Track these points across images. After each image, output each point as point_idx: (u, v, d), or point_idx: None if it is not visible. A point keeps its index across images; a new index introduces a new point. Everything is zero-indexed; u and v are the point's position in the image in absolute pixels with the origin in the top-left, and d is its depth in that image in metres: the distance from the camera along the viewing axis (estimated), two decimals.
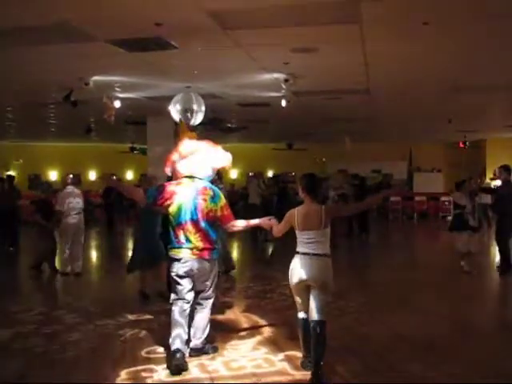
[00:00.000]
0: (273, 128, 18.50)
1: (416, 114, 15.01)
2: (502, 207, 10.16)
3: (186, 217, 5.25)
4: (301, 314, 5.20)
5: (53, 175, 25.67)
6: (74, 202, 10.25)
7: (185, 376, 5.13)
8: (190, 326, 5.48)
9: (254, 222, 5.60)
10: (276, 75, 9.33)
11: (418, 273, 10.53)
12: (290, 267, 5.09)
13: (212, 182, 5.88)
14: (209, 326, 5.68)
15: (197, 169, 5.47)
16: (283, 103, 10.61)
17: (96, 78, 9.33)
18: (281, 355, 5.61)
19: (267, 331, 6.51)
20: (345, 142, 19.21)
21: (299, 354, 5.60)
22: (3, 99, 12.20)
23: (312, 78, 9.69)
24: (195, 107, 9.74)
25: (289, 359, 5.53)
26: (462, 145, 21.08)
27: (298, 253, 5.03)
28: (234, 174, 26.61)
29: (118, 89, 10.48)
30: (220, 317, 7.23)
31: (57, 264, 10.74)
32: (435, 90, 11.02)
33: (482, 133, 20.38)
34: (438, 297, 8.62)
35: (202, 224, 5.27)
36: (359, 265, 12.09)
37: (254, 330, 6.60)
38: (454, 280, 9.67)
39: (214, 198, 5.36)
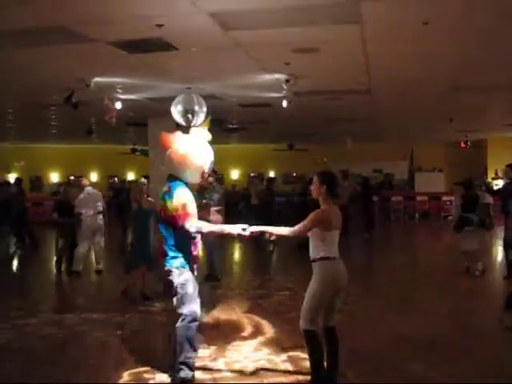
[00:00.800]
0: (274, 128, 18.51)
1: (417, 114, 15.00)
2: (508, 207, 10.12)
3: None
4: (322, 323, 4.84)
5: (54, 177, 25.70)
6: (95, 203, 10.72)
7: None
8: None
9: (223, 228, 4.97)
10: (277, 76, 9.33)
11: (420, 272, 10.52)
12: (330, 273, 4.66)
13: (209, 183, 5.63)
14: (179, 349, 4.74)
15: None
16: (284, 104, 10.61)
17: (97, 79, 9.33)
18: (283, 356, 5.62)
19: (270, 332, 6.52)
20: (346, 142, 19.21)
21: (302, 355, 5.60)
22: (4, 100, 12.21)
23: (313, 79, 9.69)
24: (196, 108, 9.74)
25: (291, 360, 5.54)
26: (463, 144, 21.06)
27: (331, 258, 4.66)
28: (235, 174, 26.64)
29: (119, 90, 10.49)
30: (222, 317, 7.24)
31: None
32: (436, 89, 11.02)
33: (483, 132, 20.37)
34: (439, 296, 8.63)
35: (159, 225, 4.89)
36: (361, 264, 12.08)
37: (257, 330, 6.61)
38: (456, 280, 9.67)
39: (166, 195, 4.75)
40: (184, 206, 4.64)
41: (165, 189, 4.79)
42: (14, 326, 6.93)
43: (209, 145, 5.03)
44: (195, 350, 4.90)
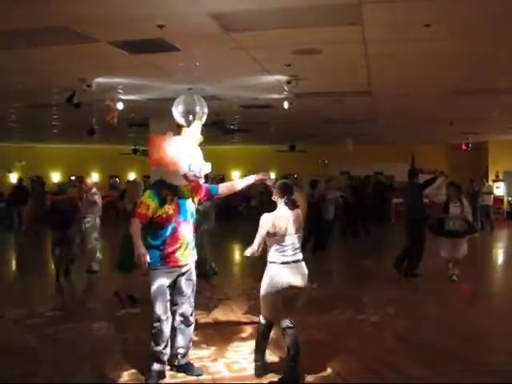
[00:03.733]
0: (275, 130, 18.51)
1: (418, 116, 14.99)
2: None
3: None
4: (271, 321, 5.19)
5: (55, 177, 25.72)
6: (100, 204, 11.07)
7: (187, 377, 5.15)
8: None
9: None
10: (278, 77, 9.34)
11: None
12: (275, 275, 4.95)
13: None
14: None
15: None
16: (285, 105, 10.62)
17: (98, 79, 9.34)
18: (283, 356, 5.63)
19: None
20: (347, 144, 19.22)
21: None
22: (6, 101, 12.22)
23: (314, 80, 9.69)
24: (198, 109, 9.73)
25: None
26: (465, 147, 21.06)
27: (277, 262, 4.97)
28: (236, 175, 26.65)
29: (120, 91, 10.50)
30: (222, 318, 7.25)
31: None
32: (437, 92, 11.02)
33: (484, 135, 20.36)
34: (437, 299, 8.65)
35: None
36: (360, 265, 12.10)
37: (256, 331, 6.60)
38: (454, 283, 9.67)
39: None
40: (139, 203, 5.00)
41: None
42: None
43: (197, 147, 5.27)
44: (162, 346, 5.01)
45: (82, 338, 6.51)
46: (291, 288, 4.90)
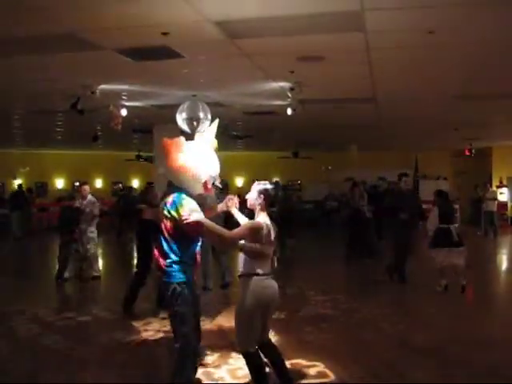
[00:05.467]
0: (278, 136, 18.52)
1: (422, 122, 14.99)
2: None
3: None
4: (255, 346, 4.54)
5: (59, 183, 25.77)
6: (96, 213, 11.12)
7: None
8: None
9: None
10: (282, 84, 9.37)
11: (421, 280, 10.46)
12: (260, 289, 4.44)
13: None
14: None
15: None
16: (289, 112, 10.64)
17: (103, 86, 9.38)
18: (286, 364, 5.62)
19: (272, 340, 6.49)
20: (350, 150, 19.24)
21: (305, 363, 5.65)
22: (10, 107, 12.28)
23: (317, 87, 9.71)
24: (201, 115, 9.77)
25: (294, 367, 5.54)
26: (467, 152, 21.04)
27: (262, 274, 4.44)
28: (239, 182, 26.67)
29: (124, 97, 10.54)
30: (226, 325, 7.24)
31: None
32: (441, 97, 11.02)
33: (488, 140, 20.35)
34: (440, 305, 8.65)
35: (160, 238, 4.60)
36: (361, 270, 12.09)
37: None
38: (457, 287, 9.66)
39: (170, 207, 4.47)
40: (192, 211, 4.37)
41: (168, 199, 4.47)
42: None
43: (214, 153, 4.80)
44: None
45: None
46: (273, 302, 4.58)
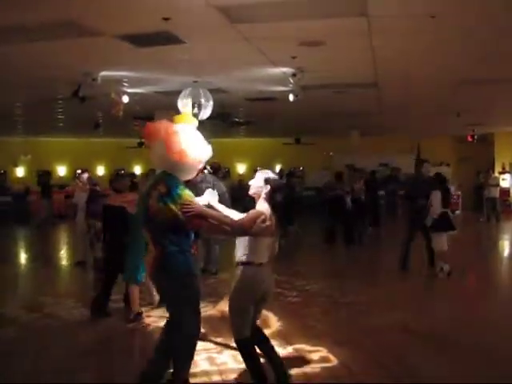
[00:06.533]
0: (280, 122, 18.48)
1: (424, 108, 14.94)
2: None
3: None
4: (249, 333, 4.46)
5: (61, 170, 25.76)
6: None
7: (193, 369, 5.16)
8: None
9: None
10: (283, 69, 9.33)
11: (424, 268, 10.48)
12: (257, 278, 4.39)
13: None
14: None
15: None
16: (291, 97, 10.60)
17: (104, 73, 9.35)
18: (289, 348, 5.65)
19: (276, 325, 6.53)
20: (352, 135, 19.18)
21: (308, 348, 5.67)
22: (11, 95, 12.25)
23: (319, 72, 9.67)
24: (203, 101, 9.76)
25: (298, 352, 5.57)
26: (470, 138, 20.98)
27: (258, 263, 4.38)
28: (241, 168, 26.63)
29: (125, 84, 10.51)
30: (227, 309, 7.25)
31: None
32: (443, 83, 10.98)
33: (491, 126, 20.28)
34: (446, 293, 8.66)
35: (157, 232, 4.39)
36: (367, 260, 12.11)
37: (262, 323, 6.62)
38: (462, 276, 9.67)
39: (166, 198, 4.20)
40: (190, 201, 4.25)
41: (162, 190, 4.20)
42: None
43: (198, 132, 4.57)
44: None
45: None
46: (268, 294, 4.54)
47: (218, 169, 8.23)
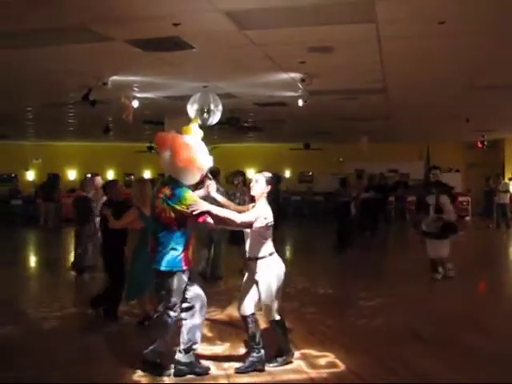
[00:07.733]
0: (289, 128, 18.49)
1: (433, 113, 14.90)
2: None
3: None
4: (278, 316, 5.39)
5: (71, 174, 25.90)
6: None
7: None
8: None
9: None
10: (292, 75, 9.35)
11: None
12: (278, 268, 5.21)
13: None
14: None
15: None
16: (300, 103, 10.62)
17: (114, 77, 9.40)
18: (296, 353, 5.65)
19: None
20: (361, 141, 19.17)
21: (315, 353, 5.67)
22: (23, 99, 12.34)
23: (328, 78, 9.68)
24: (212, 107, 9.80)
25: (304, 357, 5.57)
26: (480, 144, 20.89)
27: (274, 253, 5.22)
28: (251, 173, 26.65)
29: (136, 88, 10.56)
30: (235, 314, 7.27)
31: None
32: (452, 88, 10.95)
33: (500, 132, 20.19)
34: (450, 294, 8.63)
35: (158, 230, 5.06)
36: (373, 263, 12.08)
37: (269, 328, 6.63)
38: (469, 276, 9.63)
39: (170, 200, 4.86)
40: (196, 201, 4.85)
41: (167, 192, 4.86)
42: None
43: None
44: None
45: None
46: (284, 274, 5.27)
47: (217, 173, 8.62)
